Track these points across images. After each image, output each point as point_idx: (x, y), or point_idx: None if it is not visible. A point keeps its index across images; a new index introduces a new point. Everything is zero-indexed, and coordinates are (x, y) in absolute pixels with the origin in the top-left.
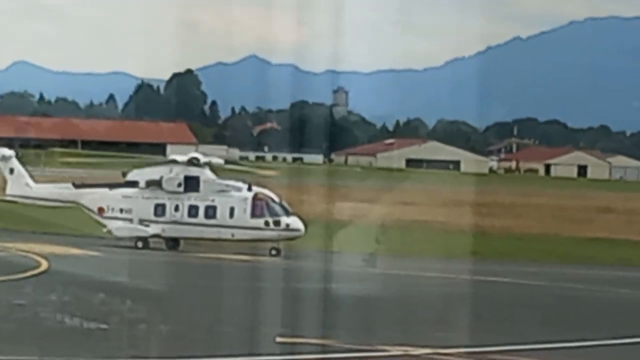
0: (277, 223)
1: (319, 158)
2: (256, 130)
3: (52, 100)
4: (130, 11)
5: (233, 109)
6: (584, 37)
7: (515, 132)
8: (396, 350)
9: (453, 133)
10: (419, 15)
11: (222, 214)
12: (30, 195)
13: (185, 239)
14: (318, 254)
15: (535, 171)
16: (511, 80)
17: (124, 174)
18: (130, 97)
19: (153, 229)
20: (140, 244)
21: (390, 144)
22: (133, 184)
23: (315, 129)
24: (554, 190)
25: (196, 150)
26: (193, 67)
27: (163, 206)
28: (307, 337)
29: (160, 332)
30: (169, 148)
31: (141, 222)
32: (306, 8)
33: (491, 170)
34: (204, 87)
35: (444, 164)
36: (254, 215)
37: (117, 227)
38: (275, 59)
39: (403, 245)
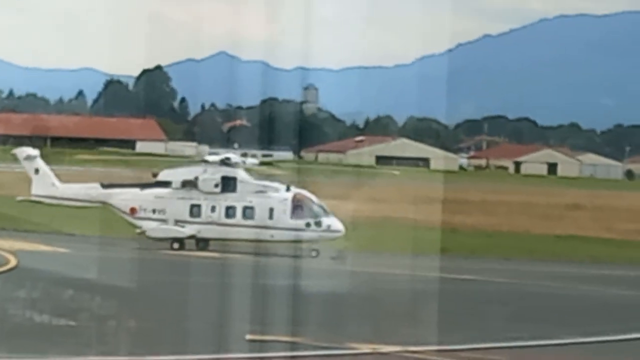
0: (318, 224)
1: (288, 155)
2: (226, 126)
3: (22, 95)
4: (99, 6)
5: (203, 106)
6: (554, 34)
7: (485, 129)
8: (365, 348)
9: (423, 130)
10: (388, 12)
11: (260, 215)
12: (57, 195)
13: (222, 240)
14: (288, 251)
15: (505, 168)
16: (481, 78)
17: (155, 174)
18: (100, 93)
19: (189, 230)
20: (176, 245)
21: (360, 141)
22: (165, 184)
23: (285, 126)
24: (524, 187)
25: (165, 147)
26: (162, 64)
27: (199, 207)
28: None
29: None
30: (138, 144)
31: (176, 222)
32: (276, 4)
33: (461, 167)
34: (173, 84)
35: (413, 161)
36: (294, 216)
37: (152, 228)
38: (245, 55)
39: (373, 242)
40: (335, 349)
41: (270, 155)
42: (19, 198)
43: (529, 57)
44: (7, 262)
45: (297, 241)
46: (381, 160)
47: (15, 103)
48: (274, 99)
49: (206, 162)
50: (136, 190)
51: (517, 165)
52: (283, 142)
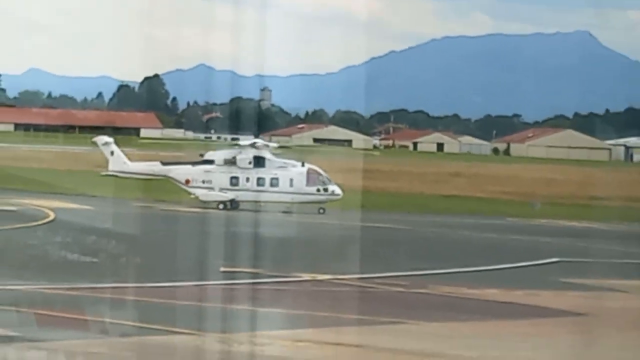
0: (325, 190)
1: (251, 138)
2: (205, 118)
3: (57, 96)
4: (108, 29)
5: (188, 103)
6: (441, 50)
7: (391, 119)
8: (307, 277)
9: (347, 120)
10: (320, 34)
11: (283, 184)
12: (128, 170)
13: (254, 202)
14: (254, 206)
15: (407, 147)
16: (389, 82)
17: (201, 155)
18: (114, 94)
19: (230, 195)
20: (221, 207)
21: (302, 127)
22: (210, 162)
23: (248, 117)
24: (419, 161)
25: (161, 132)
26: (159, 72)
27: (237, 178)
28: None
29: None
30: (142, 131)
31: (221, 190)
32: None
33: (375, 146)
34: (167, 87)
35: (340, 142)
36: (308, 184)
37: (203, 194)
38: (219, 66)
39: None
40: (285, 277)
41: (237, 139)
42: (103, 173)
43: (422, 67)
44: (47, 215)
45: (310, 202)
46: (317, 141)
47: (52, 102)
48: (240, 98)
49: (239, 145)
50: (189, 166)
51: (415, 145)
52: (246, 129)
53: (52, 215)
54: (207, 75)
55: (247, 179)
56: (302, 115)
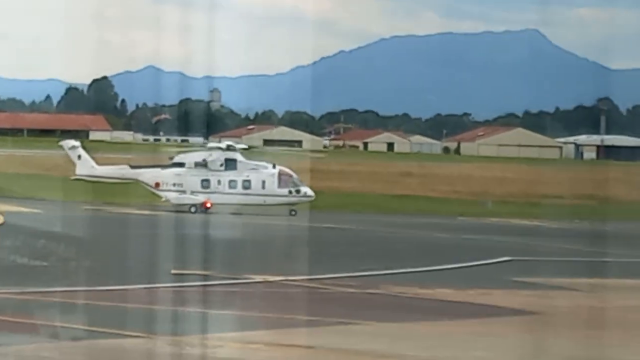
0: (298, 191)
1: (200, 140)
2: (154, 119)
3: (4, 99)
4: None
5: (137, 105)
6: (390, 50)
7: (341, 119)
8: (258, 278)
9: (296, 120)
10: (269, 34)
11: (255, 186)
12: (96, 174)
13: (226, 204)
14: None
15: (357, 147)
16: (338, 81)
17: (171, 158)
18: (62, 97)
19: (201, 198)
20: (193, 209)
21: (251, 128)
22: (180, 164)
23: (197, 118)
24: (370, 160)
25: (110, 135)
26: (107, 74)
27: (208, 181)
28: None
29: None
30: (90, 134)
31: (192, 193)
32: (187, 30)
33: (325, 147)
34: (116, 89)
35: (290, 143)
36: (280, 186)
37: (175, 197)
38: (167, 67)
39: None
40: (236, 279)
41: (187, 141)
42: (73, 177)
43: (372, 67)
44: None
45: (283, 204)
46: (267, 142)
47: None
48: (189, 99)
49: (209, 148)
50: (158, 169)
51: (365, 145)
52: (196, 130)
53: (0, 219)
54: (156, 76)
55: (219, 182)
56: (251, 116)
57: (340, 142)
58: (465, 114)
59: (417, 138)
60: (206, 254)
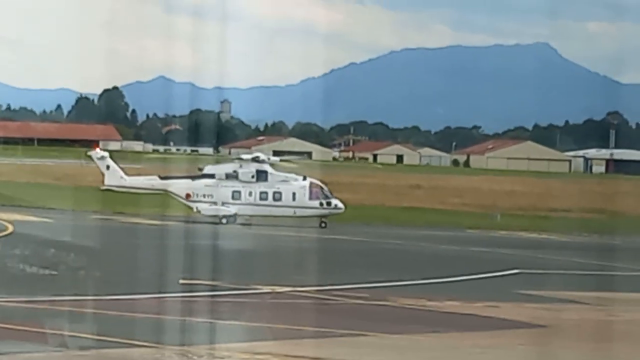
0: (328, 204)
1: (210, 150)
2: (164, 130)
3: (16, 109)
4: (71, 43)
5: (147, 115)
6: (401, 62)
7: (351, 130)
8: (266, 289)
9: (306, 132)
10: (281, 46)
11: (286, 198)
12: (125, 185)
13: (257, 216)
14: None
15: (366, 159)
16: (348, 94)
17: (200, 169)
18: (73, 106)
19: (233, 209)
20: (224, 221)
21: (261, 139)
22: (210, 176)
23: (207, 129)
24: (379, 173)
25: (121, 145)
26: (118, 85)
27: (239, 192)
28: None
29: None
30: (101, 143)
31: (223, 204)
32: (198, 40)
33: (334, 158)
34: (126, 99)
35: (300, 154)
36: (311, 198)
37: (206, 208)
38: (178, 78)
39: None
40: (245, 289)
41: (197, 151)
42: (103, 187)
43: (382, 79)
44: (6, 228)
45: (313, 216)
46: (277, 154)
47: (11, 114)
48: (199, 110)
49: (240, 159)
50: (188, 180)
51: (375, 157)
52: (206, 141)
53: (10, 228)
54: (167, 87)
55: (250, 193)
56: (261, 127)
57: (350, 154)
58: (475, 127)
59: (427, 150)
60: (215, 264)
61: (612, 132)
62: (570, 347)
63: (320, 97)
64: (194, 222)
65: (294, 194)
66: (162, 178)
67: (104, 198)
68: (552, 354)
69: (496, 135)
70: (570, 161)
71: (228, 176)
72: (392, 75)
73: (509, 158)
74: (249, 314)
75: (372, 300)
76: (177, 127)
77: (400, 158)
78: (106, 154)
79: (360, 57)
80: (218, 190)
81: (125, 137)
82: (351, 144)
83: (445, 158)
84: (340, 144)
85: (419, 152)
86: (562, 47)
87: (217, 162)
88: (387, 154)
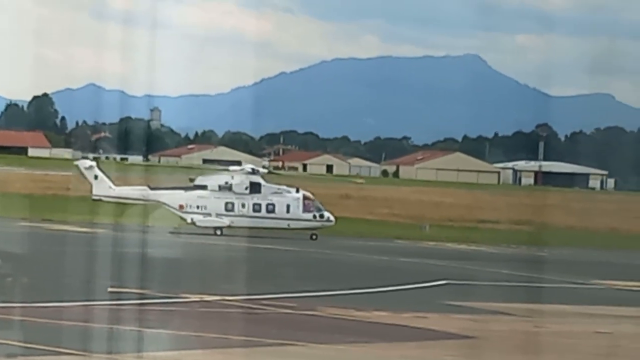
0: (321, 216)
1: (139, 158)
2: (94, 137)
3: None
4: None
5: (77, 122)
6: (331, 72)
7: (281, 140)
8: (195, 297)
9: (236, 141)
10: (211, 55)
11: (279, 210)
12: (114, 195)
13: (250, 228)
14: (139, 227)
15: (296, 169)
16: (279, 103)
17: (192, 180)
18: (2, 113)
19: (227, 221)
20: (218, 232)
21: (191, 148)
22: (202, 187)
23: (137, 137)
24: (310, 182)
25: (50, 152)
26: (48, 91)
27: (232, 204)
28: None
29: None
30: (30, 150)
31: (217, 215)
32: (128, 49)
33: (264, 167)
34: (56, 106)
35: (230, 163)
36: (304, 210)
37: (200, 220)
38: (108, 86)
39: None
40: (174, 297)
41: (126, 159)
42: (94, 197)
43: (313, 89)
44: None
45: (306, 228)
46: (206, 162)
47: None
48: (129, 118)
49: (232, 171)
50: (181, 191)
51: (305, 166)
52: (135, 149)
53: None
54: (97, 94)
55: (243, 205)
56: (191, 136)
57: (280, 163)
58: (405, 138)
59: (357, 161)
60: (144, 273)
61: (541, 144)
62: (498, 358)
63: (251, 106)
64: (123, 229)
65: (287, 206)
66: (152, 189)
67: (31, 205)
68: None
69: (426, 147)
70: (499, 173)
71: (221, 187)
72: (322, 85)
73: (438, 169)
74: (178, 323)
75: (301, 310)
76: (107, 134)
77: (330, 168)
78: (94, 163)
79: (291, 67)
80: (211, 201)
81: (54, 145)
82: (281, 153)
83: (375, 168)
84: (270, 154)
85: (349, 163)
86: (492, 59)
87: (147, 170)
88: (317, 163)
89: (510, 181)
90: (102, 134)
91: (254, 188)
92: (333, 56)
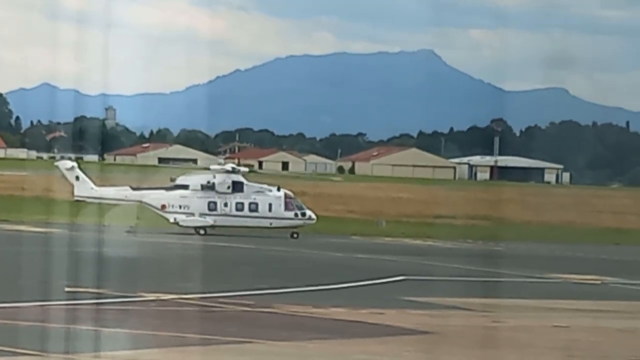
0: (303, 214)
1: (95, 158)
2: (49, 137)
3: None
4: None
5: (32, 122)
6: (286, 70)
7: (237, 138)
8: (151, 297)
9: (192, 139)
10: (165, 54)
11: (262, 209)
12: (96, 196)
13: (233, 227)
14: (95, 227)
15: (252, 166)
16: (234, 101)
17: (172, 179)
18: None
19: (210, 220)
20: (202, 232)
21: (146, 146)
22: (184, 187)
23: (92, 136)
24: (267, 179)
25: (5, 152)
26: (2, 92)
27: (215, 203)
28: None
29: None
30: None
31: (200, 215)
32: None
33: (219, 165)
34: (10, 106)
35: (185, 162)
36: (286, 209)
37: (183, 220)
38: (62, 85)
39: (158, 220)
40: (130, 297)
41: (81, 158)
42: (76, 198)
43: (268, 86)
44: None
45: (288, 227)
46: (162, 161)
47: None
48: (84, 117)
49: (213, 170)
50: (162, 191)
51: (260, 164)
52: (90, 148)
53: None
54: (51, 94)
55: (225, 204)
56: (147, 134)
57: (236, 161)
58: (360, 134)
59: (312, 157)
60: (101, 272)
61: (496, 139)
62: (456, 354)
63: (206, 104)
64: (79, 229)
65: (270, 204)
66: (134, 189)
67: None
68: None
69: (381, 143)
70: (455, 168)
71: (203, 187)
72: (277, 83)
73: (394, 165)
74: (134, 322)
75: (258, 307)
76: (62, 134)
77: (285, 165)
78: (75, 164)
79: (246, 65)
80: (193, 201)
81: (9, 145)
82: (237, 151)
83: (331, 165)
84: (225, 151)
85: (305, 160)
86: (447, 55)
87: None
88: (273, 161)
89: (466, 176)
90: (57, 134)
91: (237, 187)
92: (287, 53)
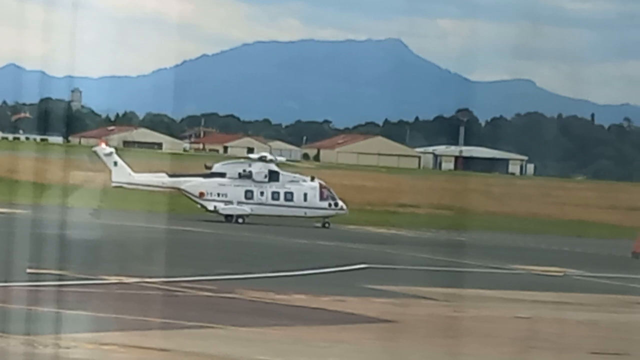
0: (336, 204)
1: (60, 139)
2: (14, 118)
3: None
4: None
5: None
6: (253, 55)
7: (202, 122)
8: (113, 279)
9: (157, 123)
10: (132, 37)
11: (297, 198)
12: (133, 182)
13: (269, 216)
14: (59, 209)
15: (217, 151)
16: (200, 85)
17: (208, 167)
18: None
19: (247, 209)
20: (240, 220)
21: (112, 129)
22: (220, 174)
23: (57, 118)
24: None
25: None
26: None
27: (251, 192)
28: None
29: None
30: None
31: (238, 203)
32: (48, 29)
33: (185, 150)
34: None
35: (151, 145)
36: (321, 199)
37: (222, 208)
38: (28, 66)
39: (121, 202)
40: (93, 279)
41: (46, 140)
42: (113, 184)
43: (234, 71)
44: None
45: (322, 216)
46: (127, 144)
47: None
48: (49, 98)
49: (249, 159)
50: (200, 178)
51: (225, 149)
52: (56, 130)
53: None
54: (17, 75)
55: (262, 193)
56: (112, 117)
57: (201, 146)
58: (326, 121)
59: (277, 144)
60: (62, 254)
61: (462, 129)
62: (417, 342)
63: (172, 88)
64: (44, 211)
65: (305, 194)
66: (170, 175)
67: None
68: (399, 349)
69: (347, 130)
70: (419, 157)
71: (241, 175)
72: (244, 68)
73: (359, 153)
74: (96, 305)
75: (220, 292)
76: (27, 115)
77: (250, 151)
78: (113, 150)
79: (213, 49)
80: (231, 189)
81: None
82: (202, 135)
83: (296, 152)
84: (191, 136)
85: (270, 145)
86: (414, 44)
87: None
88: (238, 146)
89: (431, 166)
90: (23, 115)
91: (273, 176)
92: (255, 39)
